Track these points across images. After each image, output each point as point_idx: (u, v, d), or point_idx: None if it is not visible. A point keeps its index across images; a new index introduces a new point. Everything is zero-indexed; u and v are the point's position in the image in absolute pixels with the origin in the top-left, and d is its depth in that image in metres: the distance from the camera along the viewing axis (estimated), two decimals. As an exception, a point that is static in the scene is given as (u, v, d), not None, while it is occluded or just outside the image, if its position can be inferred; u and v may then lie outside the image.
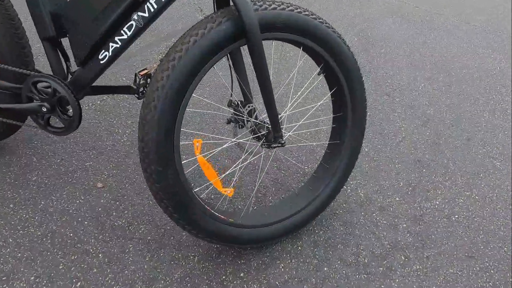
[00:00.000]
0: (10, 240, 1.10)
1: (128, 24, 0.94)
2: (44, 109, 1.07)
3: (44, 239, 1.11)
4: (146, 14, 0.92)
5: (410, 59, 2.37)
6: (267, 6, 0.91)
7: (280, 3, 0.94)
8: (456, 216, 1.37)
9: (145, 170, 0.91)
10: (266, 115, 1.04)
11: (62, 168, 1.33)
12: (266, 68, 0.91)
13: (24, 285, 1.00)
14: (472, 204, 1.43)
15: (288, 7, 0.93)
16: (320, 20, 0.99)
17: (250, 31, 0.85)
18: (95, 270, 1.06)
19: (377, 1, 3.18)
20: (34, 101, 1.08)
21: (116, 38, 0.96)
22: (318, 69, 1.10)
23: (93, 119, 1.56)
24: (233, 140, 1.07)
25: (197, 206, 0.99)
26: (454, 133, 1.78)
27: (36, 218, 1.17)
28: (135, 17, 0.93)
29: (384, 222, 1.31)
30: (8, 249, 1.07)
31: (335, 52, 1.03)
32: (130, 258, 1.10)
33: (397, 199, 1.41)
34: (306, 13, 0.96)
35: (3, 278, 1.01)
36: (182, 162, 0.95)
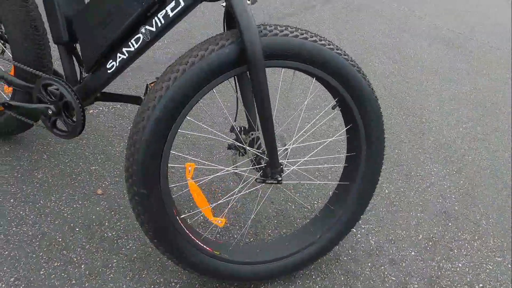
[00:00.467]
0: (2, 236, 1.10)
1: (135, 37, 0.91)
2: (50, 112, 1.07)
3: (33, 240, 1.11)
4: (154, 29, 0.89)
5: (453, 92, 2.17)
6: (277, 32, 0.83)
7: (294, 29, 0.86)
8: (481, 285, 1.19)
9: (129, 190, 0.87)
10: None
11: (68, 169, 1.34)
12: (267, 97, 0.84)
13: (3, 285, 0.99)
14: (502, 273, 1.24)
15: (302, 34, 0.86)
16: (338, 51, 0.90)
17: (252, 57, 0.78)
18: (73, 281, 1.03)
19: (414, 24, 2.99)
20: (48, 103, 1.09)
21: (124, 50, 0.94)
22: (333, 103, 1.01)
23: (109, 122, 1.57)
24: (229, 168, 1.00)
25: (180, 233, 0.92)
26: (492, 186, 1.58)
27: (32, 217, 1.17)
28: (142, 30, 0.90)
29: (393, 278, 1.17)
30: (-3, 245, 1.08)
31: (352, 87, 0.93)
32: (111, 275, 1.06)
33: (412, 253, 1.26)
34: (322, 42, 0.88)
35: (-15, 275, 1.01)
36: (172, 186, 0.90)
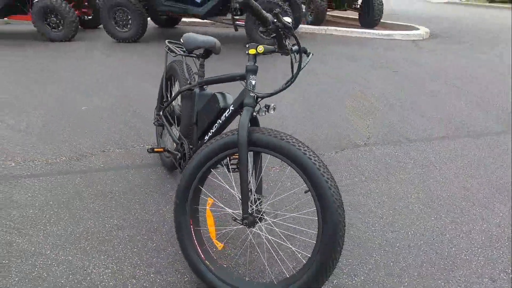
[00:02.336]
0: (136, 215, 2.03)
1: (215, 125, 1.70)
2: (178, 156, 1.98)
3: (147, 220, 1.97)
4: (221, 121, 1.65)
5: None
6: (265, 132, 1.40)
7: (278, 133, 1.39)
8: None
9: (174, 197, 1.58)
10: (263, 206, 1.45)
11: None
12: (246, 171, 1.38)
13: (127, 235, 1.87)
14: None
15: (281, 137, 1.37)
16: (305, 151, 1.33)
17: (239, 143, 1.38)
18: (150, 244, 1.79)
19: None
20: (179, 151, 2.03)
21: (210, 130, 1.74)
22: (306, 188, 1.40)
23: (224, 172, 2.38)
24: (230, 210, 1.54)
25: (188, 236, 1.53)
26: None
27: (152, 209, 2.06)
28: (217, 122, 1.68)
29: None
30: (135, 216, 2.01)
31: (311, 180, 1.31)
32: (166, 251, 1.75)
33: None
34: (294, 143, 1.35)
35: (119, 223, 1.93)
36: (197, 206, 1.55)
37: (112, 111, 3.51)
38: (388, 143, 3.01)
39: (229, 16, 6.44)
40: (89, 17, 7.90)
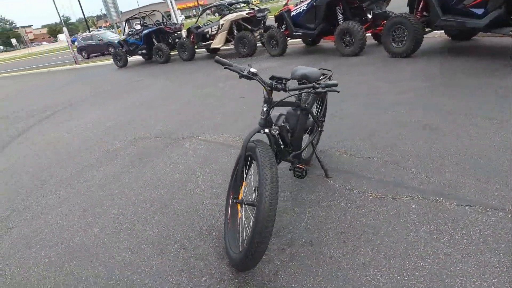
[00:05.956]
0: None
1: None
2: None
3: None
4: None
5: None
6: (256, 145, 2.09)
7: (262, 148, 2.04)
8: None
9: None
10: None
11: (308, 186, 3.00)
12: (241, 168, 2.14)
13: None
14: None
15: (259, 150, 2.03)
16: (264, 163, 1.94)
17: (241, 149, 2.16)
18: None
19: None
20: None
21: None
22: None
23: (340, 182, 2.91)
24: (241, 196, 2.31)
25: (228, 201, 2.50)
26: None
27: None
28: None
29: None
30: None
31: (259, 183, 1.93)
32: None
33: None
34: (262, 155, 1.98)
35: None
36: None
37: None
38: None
39: (517, 26, 5.33)
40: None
